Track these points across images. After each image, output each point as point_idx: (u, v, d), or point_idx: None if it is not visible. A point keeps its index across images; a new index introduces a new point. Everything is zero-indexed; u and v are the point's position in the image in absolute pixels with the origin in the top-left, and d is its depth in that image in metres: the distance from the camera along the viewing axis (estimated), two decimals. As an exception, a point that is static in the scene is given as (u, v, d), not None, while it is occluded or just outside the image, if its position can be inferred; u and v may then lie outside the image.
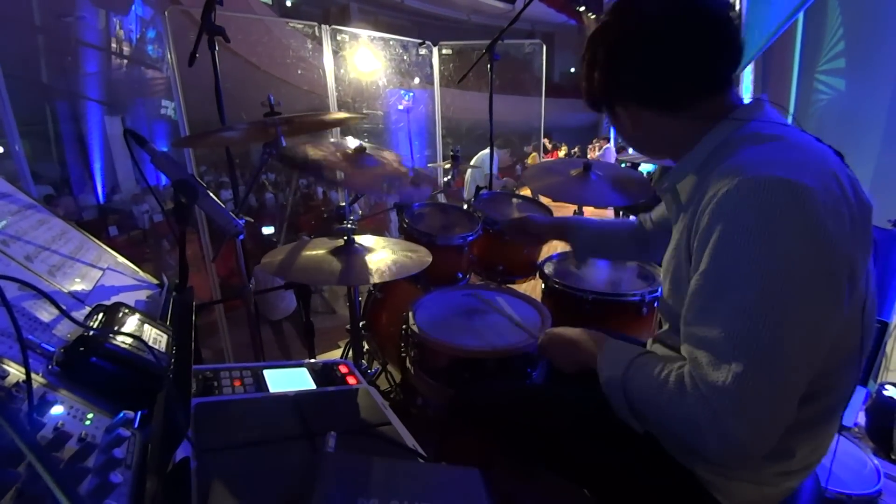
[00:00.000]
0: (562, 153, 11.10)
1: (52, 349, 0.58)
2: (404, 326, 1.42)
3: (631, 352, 0.85)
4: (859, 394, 1.80)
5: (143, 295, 0.94)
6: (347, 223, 1.42)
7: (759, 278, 0.65)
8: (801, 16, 3.59)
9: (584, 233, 1.41)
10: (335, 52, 3.65)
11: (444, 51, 4.22)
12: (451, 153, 2.58)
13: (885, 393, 1.79)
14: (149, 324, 0.71)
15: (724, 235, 0.69)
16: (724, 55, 0.80)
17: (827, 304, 0.67)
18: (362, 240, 1.43)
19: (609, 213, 5.06)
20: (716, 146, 0.80)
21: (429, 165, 4.04)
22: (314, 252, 1.37)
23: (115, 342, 0.61)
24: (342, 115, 1.77)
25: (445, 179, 3.73)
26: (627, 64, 0.82)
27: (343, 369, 1.05)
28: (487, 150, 4.06)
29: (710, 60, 0.79)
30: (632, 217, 1.41)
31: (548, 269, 1.81)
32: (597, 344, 0.93)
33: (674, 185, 0.89)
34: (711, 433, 0.67)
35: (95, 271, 0.87)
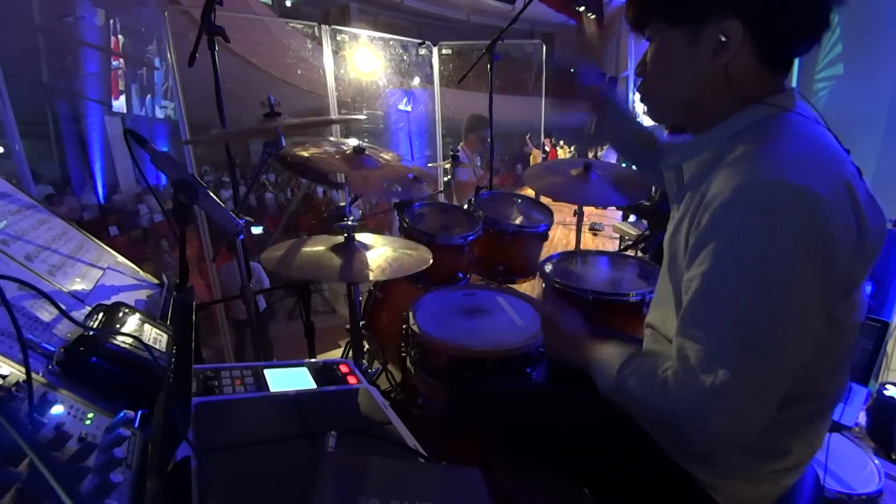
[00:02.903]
0: (561, 153, 11.10)
1: (52, 349, 0.58)
2: (405, 326, 1.42)
3: (617, 359, 0.85)
4: (860, 394, 1.80)
5: (143, 294, 0.94)
6: (347, 221, 1.42)
7: (756, 287, 0.65)
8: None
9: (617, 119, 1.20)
10: (335, 52, 3.64)
11: (443, 51, 4.22)
12: (451, 153, 2.58)
13: (885, 393, 1.79)
14: (149, 324, 0.71)
15: (726, 240, 0.67)
16: (814, 30, 0.73)
17: (821, 316, 0.68)
18: (362, 238, 1.43)
19: (610, 213, 5.06)
20: (741, 129, 0.76)
21: (429, 165, 4.03)
22: (314, 249, 1.37)
23: (115, 342, 0.61)
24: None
25: (445, 179, 3.72)
26: None
27: (343, 369, 1.04)
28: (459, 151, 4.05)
29: (814, 26, 0.72)
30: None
31: (548, 268, 1.80)
32: (588, 350, 0.92)
33: (681, 162, 0.85)
34: (695, 429, 0.70)
35: (95, 271, 0.87)
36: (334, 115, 3.65)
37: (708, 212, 0.70)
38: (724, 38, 0.72)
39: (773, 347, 0.66)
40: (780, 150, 0.70)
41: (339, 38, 3.89)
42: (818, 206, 0.63)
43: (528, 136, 8.89)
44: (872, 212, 0.71)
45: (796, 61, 0.80)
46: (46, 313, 0.64)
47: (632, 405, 0.82)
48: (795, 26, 0.72)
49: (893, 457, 1.70)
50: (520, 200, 2.25)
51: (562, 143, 11.52)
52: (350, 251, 1.36)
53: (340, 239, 1.39)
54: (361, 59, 4.34)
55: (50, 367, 0.57)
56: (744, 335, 0.66)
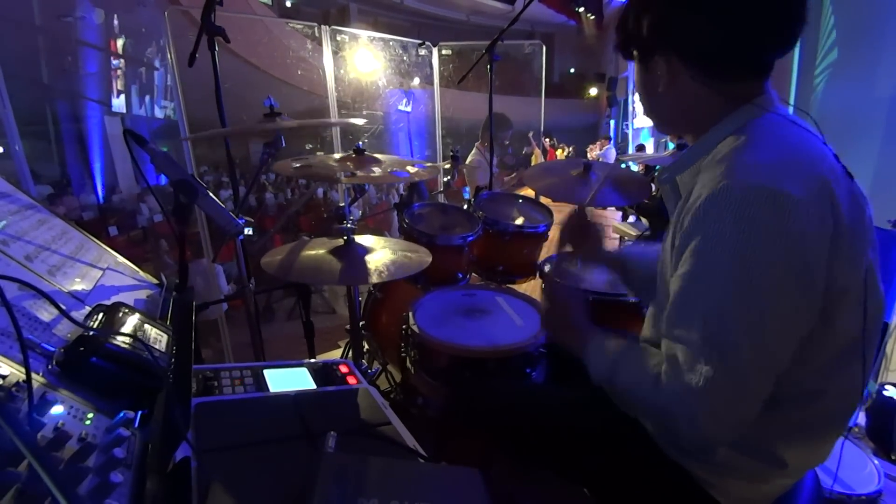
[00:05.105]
0: (560, 153, 11.11)
1: (52, 349, 0.58)
2: (404, 326, 1.42)
3: (613, 349, 0.86)
4: (859, 394, 1.79)
5: (142, 295, 0.94)
6: (347, 223, 1.42)
7: (733, 285, 0.67)
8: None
9: (639, 274, 1.19)
10: (335, 53, 3.64)
11: (443, 51, 4.22)
12: (451, 153, 2.57)
13: (885, 393, 1.79)
14: (149, 324, 0.71)
15: (703, 240, 0.70)
16: (783, 32, 0.76)
17: (799, 313, 0.69)
18: (362, 240, 1.43)
19: (610, 213, 5.07)
20: (723, 136, 0.78)
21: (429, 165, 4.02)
22: (314, 252, 1.37)
23: (114, 342, 0.61)
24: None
25: (445, 179, 3.72)
26: (691, 11, 0.76)
27: (343, 369, 1.04)
28: (474, 152, 4.05)
29: (771, 34, 0.76)
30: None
31: (548, 268, 1.80)
32: (585, 338, 0.91)
33: (674, 177, 0.87)
34: (684, 424, 0.72)
35: (95, 271, 0.87)
36: (334, 116, 3.65)
37: (690, 213, 0.72)
38: (666, 66, 0.80)
39: (753, 345, 0.67)
40: (758, 153, 0.72)
41: (338, 38, 3.89)
42: (791, 207, 0.65)
43: (531, 135, 8.90)
44: (853, 207, 0.72)
45: (796, 56, 0.81)
46: (46, 313, 0.64)
47: (623, 395, 0.85)
48: (727, 54, 0.77)
49: (893, 457, 1.70)
50: (520, 201, 2.25)
51: (559, 143, 11.52)
52: (349, 255, 1.36)
53: (340, 242, 1.39)
54: (361, 60, 4.34)
55: (50, 367, 0.57)
56: (723, 332, 0.68)
